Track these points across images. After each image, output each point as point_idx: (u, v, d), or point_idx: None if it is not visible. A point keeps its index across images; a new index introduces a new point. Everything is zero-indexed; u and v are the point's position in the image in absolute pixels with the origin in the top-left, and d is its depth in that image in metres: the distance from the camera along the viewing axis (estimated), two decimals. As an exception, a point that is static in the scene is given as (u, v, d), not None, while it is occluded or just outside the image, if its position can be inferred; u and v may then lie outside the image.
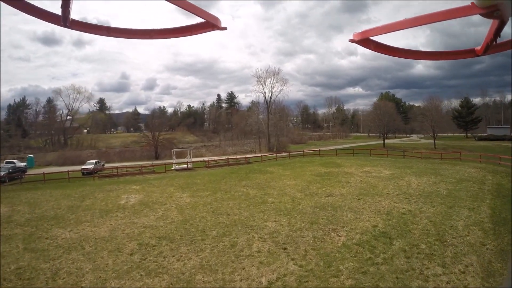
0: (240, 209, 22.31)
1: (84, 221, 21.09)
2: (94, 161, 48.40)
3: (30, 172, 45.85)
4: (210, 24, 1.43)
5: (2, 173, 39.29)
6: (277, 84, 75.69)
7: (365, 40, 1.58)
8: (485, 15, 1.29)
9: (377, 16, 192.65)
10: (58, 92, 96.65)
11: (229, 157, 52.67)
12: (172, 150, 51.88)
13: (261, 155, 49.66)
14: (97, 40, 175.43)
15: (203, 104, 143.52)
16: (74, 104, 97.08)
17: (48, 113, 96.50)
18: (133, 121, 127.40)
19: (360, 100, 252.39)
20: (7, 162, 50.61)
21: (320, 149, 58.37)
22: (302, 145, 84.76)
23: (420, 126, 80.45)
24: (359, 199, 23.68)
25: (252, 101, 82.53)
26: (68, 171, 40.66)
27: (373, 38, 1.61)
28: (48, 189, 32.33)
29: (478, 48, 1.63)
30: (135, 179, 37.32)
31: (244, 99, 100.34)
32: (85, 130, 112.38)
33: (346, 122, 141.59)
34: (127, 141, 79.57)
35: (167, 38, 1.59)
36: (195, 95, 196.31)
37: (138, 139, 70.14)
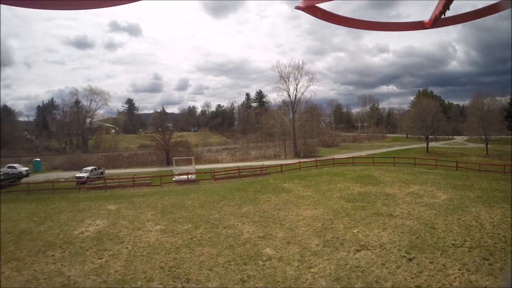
0: (214, 269, 14.87)
1: (11, 259, 17.59)
2: (90, 168, 42.24)
3: (32, 178, 43.75)
4: None
5: None
6: (302, 79, 65.08)
7: (311, 7, 1.55)
8: None
9: (407, 12, 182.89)
10: (75, 93, 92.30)
11: (243, 166, 43.90)
12: (172, 158, 44.38)
13: (281, 165, 40.03)
14: (128, 43, 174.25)
15: (232, 103, 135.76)
16: (92, 105, 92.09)
17: (71, 114, 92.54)
18: (159, 121, 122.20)
19: (394, 99, 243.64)
20: (8, 167, 47.87)
21: (354, 156, 48.04)
22: (334, 148, 75.01)
23: (469, 126, 68.93)
24: (410, 259, 14.77)
25: (283, 100, 73.69)
26: (52, 182, 36.76)
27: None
28: (24, 202, 30.36)
29: (427, 20, 1.69)
30: (121, 193, 32.31)
31: (276, 98, 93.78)
32: (113, 131, 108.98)
33: (382, 122, 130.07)
34: (146, 143, 73.34)
35: (102, 7, 1.52)
36: (227, 95, 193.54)
37: (150, 141, 62.06)
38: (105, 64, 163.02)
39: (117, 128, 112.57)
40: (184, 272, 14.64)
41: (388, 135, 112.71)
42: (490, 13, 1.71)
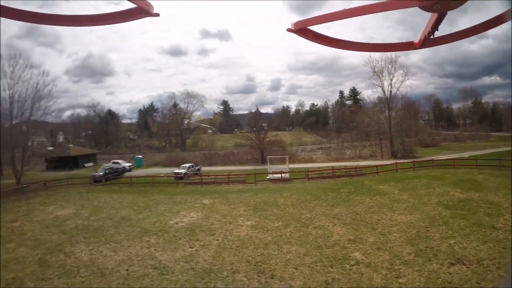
0: (299, 268, 14.69)
1: (110, 240, 19.83)
2: (187, 165, 45.12)
3: (134, 172, 48.66)
4: (143, 10, 1.45)
5: (99, 174, 43.19)
6: (397, 74, 60.52)
7: (303, 30, 1.59)
8: (425, 8, 1.36)
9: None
10: (172, 97, 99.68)
11: (337, 166, 42.88)
12: (267, 157, 44.86)
13: (377, 166, 38.27)
14: (219, 48, 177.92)
15: (325, 102, 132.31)
16: (189, 107, 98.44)
17: (170, 116, 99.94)
18: (254, 121, 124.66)
19: (499, 91, 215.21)
20: (113, 162, 54.52)
21: (455, 157, 43.58)
22: (434, 148, 68.86)
23: None
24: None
25: (378, 96, 69.66)
26: (152, 176, 40.41)
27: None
28: (126, 193, 33.55)
29: (416, 41, 1.74)
30: (216, 189, 33.75)
31: (370, 95, 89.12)
32: (210, 131, 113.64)
33: (486, 119, 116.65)
34: (241, 142, 75.13)
35: (99, 25, 1.59)
36: (321, 93, 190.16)
37: (245, 140, 63.34)
38: (199, 69, 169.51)
39: (213, 128, 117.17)
40: (270, 268, 14.83)
41: (493, 133, 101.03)
42: (481, 31, 1.75)
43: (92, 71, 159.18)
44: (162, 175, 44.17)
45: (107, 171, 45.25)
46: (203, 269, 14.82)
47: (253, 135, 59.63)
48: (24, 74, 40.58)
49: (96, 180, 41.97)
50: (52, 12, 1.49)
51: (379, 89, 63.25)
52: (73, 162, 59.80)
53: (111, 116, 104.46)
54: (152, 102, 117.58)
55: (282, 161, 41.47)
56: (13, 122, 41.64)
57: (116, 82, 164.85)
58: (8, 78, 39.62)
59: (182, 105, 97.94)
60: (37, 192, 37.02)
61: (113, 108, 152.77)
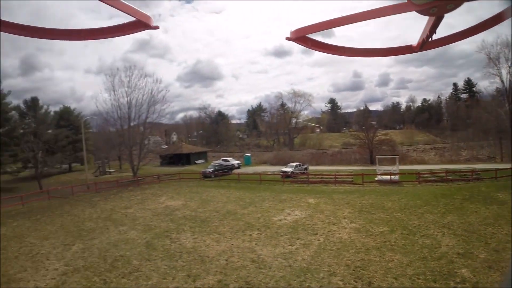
0: (399, 279, 13.63)
1: (214, 231, 20.95)
2: (295, 164, 45.76)
3: (242, 170, 51.68)
4: (142, 24, 1.45)
5: (209, 170, 47.08)
6: None
7: (301, 38, 1.62)
8: (422, 12, 1.36)
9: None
10: (280, 97, 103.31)
11: (452, 169, 39.54)
12: (375, 157, 43.17)
13: (496, 170, 33.46)
14: None
15: (438, 96, 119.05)
16: (297, 106, 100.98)
17: (278, 116, 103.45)
18: (362, 119, 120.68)
19: None
20: (223, 160, 58.33)
21: None
22: None
23: None
24: None
25: (496, 87, 61.19)
26: (260, 174, 41.60)
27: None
28: (233, 189, 35.54)
29: (415, 44, 1.73)
30: (322, 189, 33.65)
31: (487, 87, 76.39)
32: (318, 130, 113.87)
33: None
34: (350, 141, 73.60)
35: (99, 39, 1.61)
36: (432, 87, 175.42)
37: (353, 139, 61.77)
38: (304, 67, 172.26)
39: (321, 127, 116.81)
40: (368, 275, 14.10)
41: None
42: (480, 31, 1.74)
43: (201, 76, 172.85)
44: (269, 173, 45.21)
45: (216, 167, 48.74)
46: (300, 267, 14.74)
47: (362, 134, 58.29)
48: (139, 83, 46.45)
49: (206, 176, 45.38)
50: (54, 27, 1.55)
51: (497, 79, 55.85)
52: (185, 159, 64.77)
53: (221, 117, 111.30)
54: (260, 102, 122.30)
55: (392, 162, 39.42)
56: (131, 124, 47.65)
57: (224, 85, 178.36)
58: (125, 86, 45.83)
59: (289, 105, 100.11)
60: (151, 184, 41.60)
61: (223, 109, 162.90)
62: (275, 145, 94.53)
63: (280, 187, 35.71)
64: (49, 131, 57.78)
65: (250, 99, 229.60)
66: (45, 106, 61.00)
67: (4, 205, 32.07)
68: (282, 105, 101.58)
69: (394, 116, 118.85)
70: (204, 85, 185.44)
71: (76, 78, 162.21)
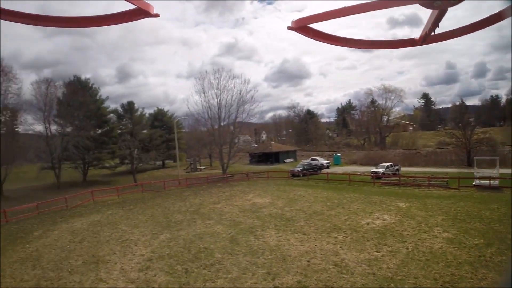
0: None
1: (299, 231, 20.59)
2: (386, 164, 44.03)
3: (332, 169, 50.35)
4: (143, 11, 1.44)
5: (297, 169, 47.61)
6: None
7: (303, 28, 1.60)
8: (425, 4, 1.37)
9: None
10: (369, 93, 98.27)
11: None
12: (473, 158, 39.58)
13: None
14: (411, 35, 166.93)
15: None
16: (388, 103, 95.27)
17: (368, 113, 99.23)
18: (458, 115, 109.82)
19: None
20: (312, 159, 57.99)
21: None
22: None
23: None
24: None
25: None
26: (349, 174, 40.31)
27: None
28: (321, 189, 34.79)
29: (417, 38, 1.73)
30: (414, 192, 31.72)
31: None
32: (410, 128, 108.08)
33: None
34: (445, 140, 68.53)
35: (97, 26, 1.60)
36: None
37: (449, 138, 56.71)
38: (394, 61, 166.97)
39: (414, 125, 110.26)
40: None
41: None
42: (481, 27, 1.70)
43: (289, 75, 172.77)
44: (359, 173, 44.04)
45: (305, 166, 48.90)
46: (384, 276, 13.83)
47: (458, 132, 53.56)
48: (228, 84, 48.89)
49: (294, 175, 45.52)
50: (51, 14, 1.53)
51: None
52: (274, 157, 65.61)
53: (310, 116, 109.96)
54: (350, 99, 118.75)
55: (492, 164, 35.48)
56: (222, 123, 50.36)
57: (312, 83, 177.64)
58: (215, 88, 48.63)
59: (380, 101, 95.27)
60: (240, 181, 42.74)
61: (312, 108, 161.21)
62: (366, 144, 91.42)
63: (370, 189, 34.34)
64: (144, 131, 64.35)
65: (339, 97, 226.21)
66: (140, 109, 70.38)
67: (101, 195, 36.65)
68: (372, 102, 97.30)
69: (494, 111, 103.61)
70: (292, 84, 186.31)
71: (168, 83, 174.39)
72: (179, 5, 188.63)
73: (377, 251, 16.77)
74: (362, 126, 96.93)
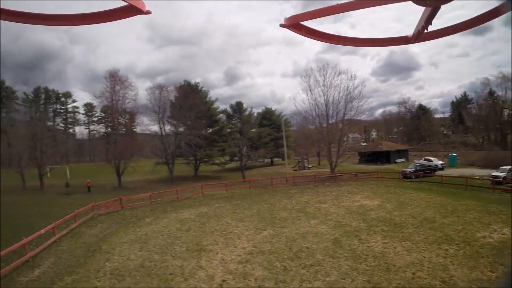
0: None
1: (407, 239, 19.18)
2: (508, 167, 38.98)
3: (447, 172, 47.12)
4: (134, 8, 1.44)
5: (409, 170, 44.63)
6: None
7: (295, 25, 1.60)
8: (418, 2, 1.36)
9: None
10: (486, 83, 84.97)
11: None
12: None
13: None
14: None
15: None
16: (508, 94, 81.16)
17: (486, 107, 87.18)
18: None
19: None
20: (425, 159, 54.99)
21: None
22: None
23: None
24: None
25: None
26: (466, 178, 36.50)
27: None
28: (435, 193, 32.40)
29: (410, 35, 1.75)
30: None
31: None
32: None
33: None
34: None
35: (89, 24, 1.59)
36: None
37: None
38: None
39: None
40: None
41: None
42: (475, 25, 1.70)
43: (397, 67, 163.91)
44: (477, 177, 39.24)
45: (418, 167, 45.73)
46: None
47: None
48: (334, 81, 47.73)
49: (405, 176, 42.96)
50: (43, 12, 1.54)
51: None
52: (385, 157, 63.22)
53: (422, 111, 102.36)
54: (465, 92, 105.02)
55: None
56: (330, 121, 49.78)
57: (423, 75, 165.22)
58: (321, 85, 48.21)
59: (499, 92, 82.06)
60: (348, 181, 42.04)
61: (424, 102, 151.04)
62: (485, 143, 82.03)
63: (489, 196, 30.53)
64: (253, 130, 66.98)
65: (454, 89, 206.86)
66: (248, 109, 73.23)
67: (210, 189, 39.26)
68: (491, 93, 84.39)
69: None
70: (401, 77, 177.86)
71: (275, 83, 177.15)
72: (277, 6, 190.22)
73: (491, 271, 14.74)
74: (481, 121, 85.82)
